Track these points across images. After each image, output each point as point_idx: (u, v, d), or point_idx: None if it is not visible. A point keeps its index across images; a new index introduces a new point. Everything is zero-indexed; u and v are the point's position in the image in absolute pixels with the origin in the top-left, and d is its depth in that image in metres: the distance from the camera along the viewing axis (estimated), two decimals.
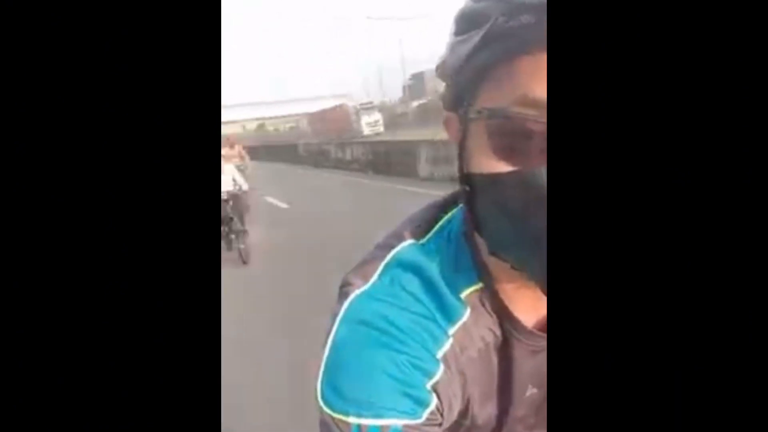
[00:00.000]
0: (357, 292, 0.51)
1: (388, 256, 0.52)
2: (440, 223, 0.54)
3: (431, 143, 11.25)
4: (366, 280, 0.51)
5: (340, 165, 15.39)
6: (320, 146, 18.83)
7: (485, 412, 0.53)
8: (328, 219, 8.14)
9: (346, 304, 0.50)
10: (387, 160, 12.74)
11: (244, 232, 6.09)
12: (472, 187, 0.46)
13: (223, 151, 6.78)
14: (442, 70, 0.48)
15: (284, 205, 9.97)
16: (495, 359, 0.52)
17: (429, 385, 0.48)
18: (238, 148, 8.97)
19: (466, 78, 0.44)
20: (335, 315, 0.50)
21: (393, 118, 36.16)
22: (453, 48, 0.46)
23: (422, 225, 0.55)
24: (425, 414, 0.47)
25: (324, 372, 0.49)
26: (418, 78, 58.68)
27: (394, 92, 58.03)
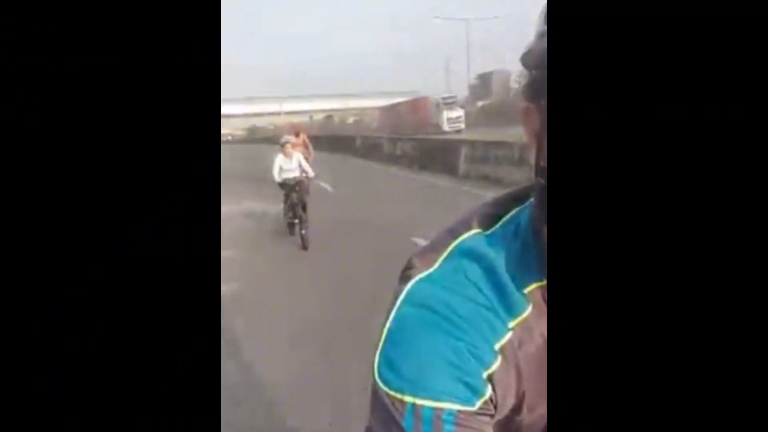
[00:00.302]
0: (419, 276, 0.51)
1: (453, 244, 0.53)
2: (509, 215, 0.54)
3: (471, 144, 12.13)
4: (429, 265, 0.52)
5: (391, 159, 16.46)
6: (375, 140, 19.98)
7: (538, 411, 0.52)
8: (366, 204, 9.25)
9: (408, 286, 0.51)
10: (431, 156, 13.72)
11: (306, 218, 6.47)
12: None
13: (291, 139, 7.30)
14: (526, 59, 0.48)
15: (330, 189, 11.19)
16: None
17: (485, 375, 0.48)
18: (303, 137, 9.72)
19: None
20: (396, 296, 0.52)
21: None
22: (540, 37, 0.45)
23: (490, 215, 0.55)
24: (479, 403, 0.48)
25: (382, 350, 0.50)
26: (484, 78, 58.90)
27: (459, 91, 58.27)
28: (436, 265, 0.52)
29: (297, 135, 9.60)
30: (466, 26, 42.30)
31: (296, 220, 6.61)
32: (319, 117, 53.65)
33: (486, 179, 10.45)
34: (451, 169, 12.13)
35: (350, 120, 52.11)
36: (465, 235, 0.53)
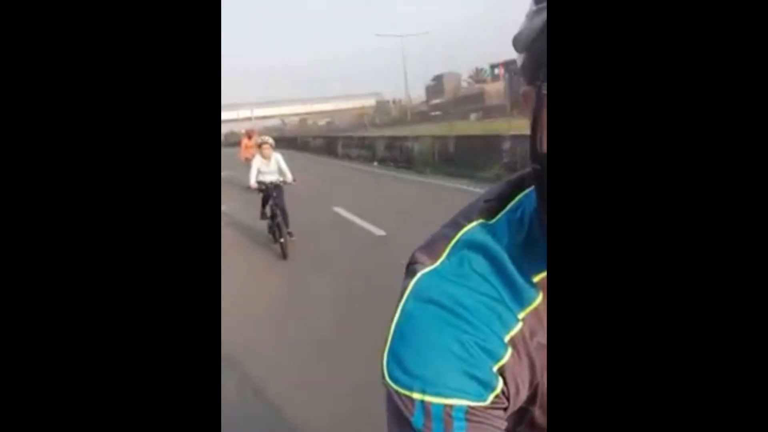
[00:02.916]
0: (424, 270, 0.50)
1: (457, 236, 0.52)
2: (512, 203, 0.53)
3: (344, 138, 20.17)
4: (434, 258, 0.51)
5: (314, 150, 24.38)
6: (306, 138, 27.94)
7: None
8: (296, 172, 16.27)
9: (413, 281, 0.50)
10: (328, 146, 21.77)
11: (286, 225, 5.98)
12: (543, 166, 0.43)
13: (268, 140, 6.55)
14: (518, 40, 0.47)
15: None
16: None
17: (495, 368, 0.47)
18: (255, 138, 9.84)
19: (542, 49, 0.42)
20: (402, 291, 0.51)
21: (413, 115, 44.33)
22: (531, 18, 0.45)
23: (493, 205, 0.53)
24: (491, 397, 0.46)
25: (389, 347, 0.49)
26: (437, 79, 66.73)
27: (417, 91, 66.43)
28: (441, 259, 0.51)
29: (250, 137, 10.35)
30: (402, 41, 50.13)
31: (275, 228, 6.11)
32: (294, 120, 60.96)
33: (348, 157, 18.35)
34: (334, 152, 20.16)
35: (322, 122, 59.40)
36: (468, 227, 0.52)
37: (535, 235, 0.50)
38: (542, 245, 0.46)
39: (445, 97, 54.90)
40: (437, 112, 39.32)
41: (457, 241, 0.52)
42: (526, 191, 0.53)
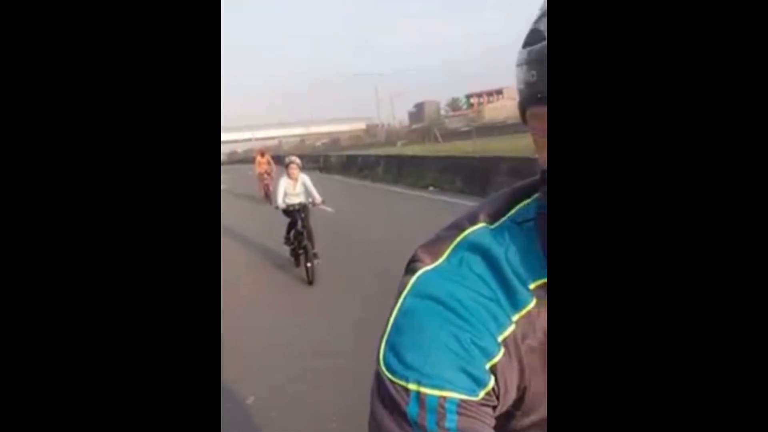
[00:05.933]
0: (425, 268, 0.53)
1: (459, 237, 0.54)
2: (514, 209, 0.55)
3: (306, 156, 29.36)
4: (435, 257, 0.53)
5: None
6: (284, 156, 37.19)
7: (543, 407, 0.53)
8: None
9: (413, 278, 0.52)
10: (312, 159, 30.88)
11: (313, 249, 5.67)
12: None
13: (295, 160, 6.04)
14: (531, 56, 0.47)
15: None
16: None
17: (488, 366, 0.49)
18: (267, 156, 11.82)
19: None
20: (402, 287, 0.53)
21: (397, 136, 52.42)
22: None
23: (497, 210, 0.55)
24: (482, 393, 0.48)
25: (387, 339, 0.51)
26: (419, 107, 75.65)
27: (400, 117, 75.70)
28: (442, 258, 0.53)
29: (263, 155, 11.75)
30: (377, 78, 58.90)
31: (300, 251, 5.82)
32: (293, 141, 68.84)
33: (319, 170, 27.01)
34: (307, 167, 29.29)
35: (319, 143, 67.23)
36: (470, 229, 0.54)
37: (534, 243, 0.52)
38: (540, 254, 0.51)
39: (425, 122, 63.21)
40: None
41: (459, 242, 0.54)
42: (528, 201, 0.55)
